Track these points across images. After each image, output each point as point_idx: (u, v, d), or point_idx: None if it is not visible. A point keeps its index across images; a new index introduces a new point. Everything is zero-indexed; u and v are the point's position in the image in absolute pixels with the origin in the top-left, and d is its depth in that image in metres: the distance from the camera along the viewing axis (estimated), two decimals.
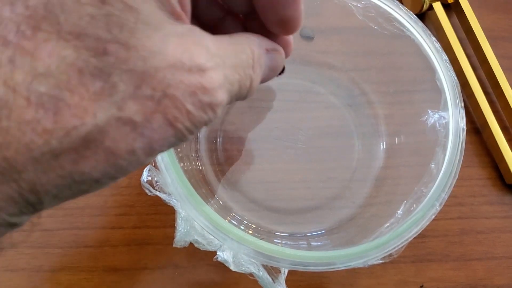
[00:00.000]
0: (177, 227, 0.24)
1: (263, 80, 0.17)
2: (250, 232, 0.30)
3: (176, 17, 0.13)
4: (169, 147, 0.12)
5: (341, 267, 0.23)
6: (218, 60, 0.13)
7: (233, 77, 0.14)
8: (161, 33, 0.12)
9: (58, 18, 0.10)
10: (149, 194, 0.24)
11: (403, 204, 0.27)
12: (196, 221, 0.23)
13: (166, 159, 0.24)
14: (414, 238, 0.24)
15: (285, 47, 0.18)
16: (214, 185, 0.32)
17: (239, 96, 0.15)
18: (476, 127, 0.37)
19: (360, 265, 0.23)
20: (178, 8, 0.13)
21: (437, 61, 0.28)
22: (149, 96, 0.11)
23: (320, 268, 0.23)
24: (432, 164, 0.27)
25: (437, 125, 0.28)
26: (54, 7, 0.10)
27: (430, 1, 0.38)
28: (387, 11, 0.29)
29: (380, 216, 0.29)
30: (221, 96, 0.13)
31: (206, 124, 0.13)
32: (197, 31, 0.13)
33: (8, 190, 0.11)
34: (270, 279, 0.24)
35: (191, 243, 0.25)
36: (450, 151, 0.27)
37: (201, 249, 0.24)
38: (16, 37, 0.10)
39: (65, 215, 0.32)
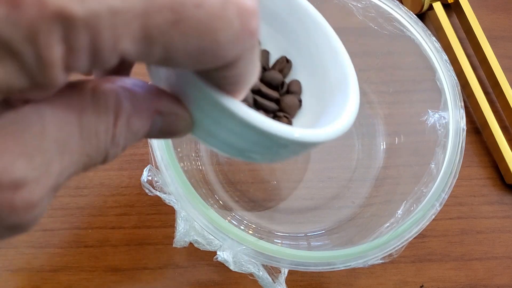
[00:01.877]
0: (177, 227, 0.24)
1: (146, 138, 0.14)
2: (250, 232, 0.30)
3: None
4: None
5: (341, 267, 0.23)
6: (41, 161, 0.11)
7: (70, 167, 0.11)
8: None
9: None
10: (149, 194, 0.24)
11: (403, 204, 0.27)
12: (196, 221, 0.23)
13: (166, 159, 0.24)
14: (414, 238, 0.24)
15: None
16: (214, 185, 0.32)
17: (81, 171, 0.12)
18: (476, 127, 0.37)
19: (360, 265, 0.23)
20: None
21: (437, 61, 0.28)
22: None
23: (320, 268, 0.23)
24: (432, 164, 0.27)
25: (437, 125, 0.28)
26: None
27: (430, 1, 0.38)
28: (387, 11, 0.29)
29: (380, 216, 0.29)
30: (35, 212, 0.11)
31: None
32: (25, 114, 0.10)
33: None
34: (270, 279, 0.24)
35: (191, 243, 0.25)
36: (450, 151, 0.27)
37: (201, 249, 0.24)
38: None
39: (66, 215, 0.32)
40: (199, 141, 0.17)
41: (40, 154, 0.10)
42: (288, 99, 0.21)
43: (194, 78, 0.14)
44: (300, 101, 0.22)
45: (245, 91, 0.15)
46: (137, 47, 0.10)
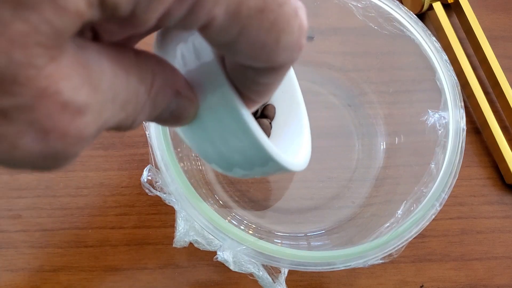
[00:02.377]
0: (177, 227, 0.24)
1: (154, 121, 0.14)
2: (250, 232, 0.30)
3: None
4: None
5: (341, 267, 0.23)
6: (101, 99, 0.11)
7: (114, 118, 0.11)
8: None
9: None
10: (149, 194, 0.24)
11: (403, 204, 0.27)
12: (196, 221, 0.23)
13: (166, 159, 0.24)
14: (414, 238, 0.24)
15: None
16: (214, 185, 0.32)
17: (113, 129, 0.12)
18: (476, 127, 0.37)
19: (360, 265, 0.23)
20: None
21: (437, 61, 0.28)
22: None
23: (320, 268, 0.23)
24: (432, 164, 0.27)
25: (437, 125, 0.28)
26: None
27: (430, 1, 0.38)
28: (387, 11, 0.29)
29: (380, 216, 0.29)
30: (78, 147, 0.11)
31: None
32: (91, 52, 0.11)
33: None
34: (270, 279, 0.24)
35: (191, 243, 0.25)
36: (450, 151, 0.27)
37: (201, 249, 0.24)
38: None
39: (65, 215, 0.32)
40: (185, 137, 0.17)
41: (101, 92, 0.10)
42: (262, 122, 0.24)
43: (218, 72, 0.14)
44: (270, 124, 0.25)
45: (258, 105, 0.15)
46: (224, 18, 0.10)
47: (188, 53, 0.15)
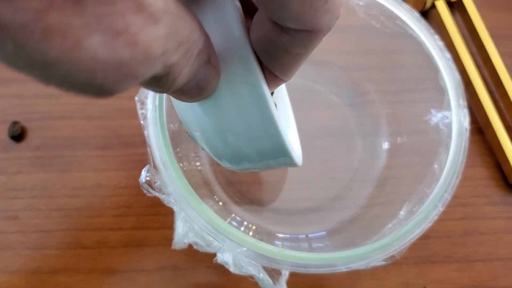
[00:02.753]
0: (176, 229, 0.24)
1: (177, 92, 0.13)
2: (250, 233, 0.29)
3: None
4: None
5: (342, 268, 0.23)
6: (171, 19, 0.10)
7: (170, 56, 0.11)
8: None
9: None
10: (148, 194, 0.24)
11: (406, 204, 0.27)
12: (196, 222, 0.23)
13: (165, 159, 0.24)
14: (417, 239, 0.24)
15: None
16: (214, 185, 0.32)
17: (154, 83, 0.12)
18: (479, 127, 0.37)
19: (362, 266, 0.23)
20: None
21: (440, 60, 0.28)
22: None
23: (321, 269, 0.23)
24: (435, 164, 0.27)
25: (440, 124, 0.28)
26: None
27: None
28: (389, 9, 0.29)
29: (382, 217, 0.29)
30: (139, 70, 0.10)
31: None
32: None
33: None
34: (271, 281, 0.24)
35: (190, 245, 0.24)
36: (453, 151, 0.26)
37: (200, 250, 0.24)
38: None
39: (63, 216, 0.32)
40: (194, 119, 0.16)
41: (171, 13, 0.10)
42: None
43: (245, 44, 0.14)
44: None
45: (278, 85, 0.15)
46: None
47: (215, 21, 0.14)
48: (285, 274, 0.25)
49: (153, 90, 0.13)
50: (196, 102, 0.15)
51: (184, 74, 0.12)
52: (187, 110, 0.17)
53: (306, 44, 0.13)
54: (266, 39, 0.14)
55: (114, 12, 0.09)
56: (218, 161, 0.19)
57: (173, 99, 0.17)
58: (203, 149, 0.20)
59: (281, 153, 0.17)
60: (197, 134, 0.17)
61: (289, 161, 0.18)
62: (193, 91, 0.14)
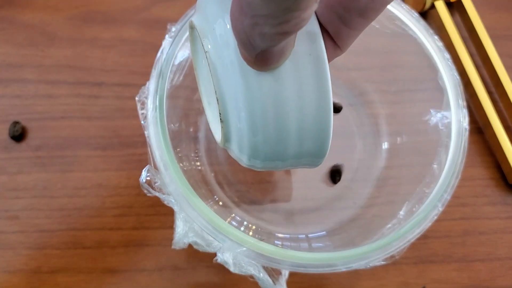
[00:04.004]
0: (176, 228, 0.24)
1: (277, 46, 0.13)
2: (250, 233, 0.29)
3: None
4: None
5: (342, 268, 0.23)
6: None
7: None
8: None
9: None
10: (148, 194, 0.24)
11: (405, 204, 0.27)
12: (196, 222, 0.23)
13: (165, 159, 0.24)
14: (416, 239, 0.24)
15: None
16: (214, 185, 0.32)
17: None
18: (478, 127, 0.37)
19: (362, 266, 0.23)
20: None
21: (439, 60, 0.28)
22: None
23: (321, 269, 0.23)
24: (434, 164, 0.27)
25: (440, 124, 0.28)
26: None
27: None
28: (389, 9, 0.29)
29: (382, 217, 0.29)
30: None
31: None
32: None
33: None
34: (271, 280, 0.24)
35: (190, 245, 0.24)
36: (453, 151, 0.26)
37: (200, 250, 0.24)
38: None
39: (63, 216, 0.32)
40: (246, 91, 0.15)
41: None
42: None
43: (313, 16, 0.13)
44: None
45: (335, 57, 0.16)
46: None
47: None
48: (285, 273, 0.25)
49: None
50: (266, 70, 0.14)
51: (303, 18, 0.12)
52: (238, 86, 0.15)
53: (381, 5, 0.13)
54: (340, 4, 0.14)
55: None
56: (241, 156, 0.18)
57: (217, 79, 0.16)
58: (225, 145, 0.19)
59: (323, 139, 0.16)
60: (241, 115, 0.16)
61: (322, 151, 0.17)
62: (276, 54, 0.13)
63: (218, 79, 0.16)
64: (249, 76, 0.15)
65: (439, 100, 0.28)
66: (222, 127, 0.17)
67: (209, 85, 0.21)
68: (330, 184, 0.33)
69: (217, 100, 0.16)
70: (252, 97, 0.15)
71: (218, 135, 0.20)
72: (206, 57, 0.16)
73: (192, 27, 0.18)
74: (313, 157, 0.17)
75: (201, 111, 0.33)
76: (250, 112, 0.15)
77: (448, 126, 0.27)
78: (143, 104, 0.25)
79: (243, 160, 0.18)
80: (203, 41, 0.16)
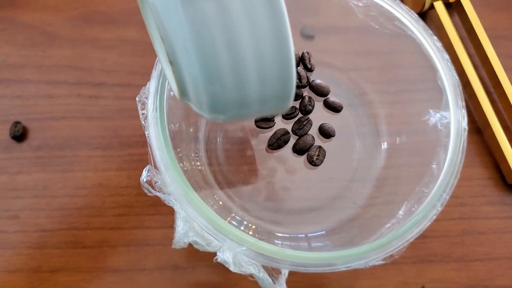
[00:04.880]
0: (176, 228, 0.24)
1: None
2: (250, 233, 0.30)
3: None
4: None
5: (341, 268, 0.23)
6: None
7: None
8: None
9: None
10: (148, 194, 0.24)
11: (404, 204, 0.27)
12: (196, 222, 0.23)
13: (165, 159, 0.24)
14: (415, 238, 0.24)
15: None
16: (214, 185, 0.32)
17: None
18: (477, 127, 0.37)
19: (361, 266, 0.23)
20: None
21: (438, 61, 0.28)
22: None
23: (321, 269, 0.23)
24: (433, 164, 0.27)
25: (439, 125, 0.28)
26: None
27: (431, 0, 0.38)
28: (388, 10, 0.29)
29: (381, 217, 0.29)
30: None
31: None
32: None
33: None
34: (271, 280, 0.24)
35: (190, 244, 0.24)
36: (452, 151, 0.26)
37: (201, 250, 0.24)
38: None
39: (63, 216, 0.32)
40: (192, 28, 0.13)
41: None
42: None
43: None
44: None
45: None
46: None
47: None
48: (285, 273, 0.25)
49: None
50: None
51: None
52: (183, 25, 0.14)
53: None
54: None
55: None
56: (201, 107, 0.16)
57: (157, 15, 0.14)
58: (183, 99, 0.17)
59: (286, 73, 0.14)
60: (189, 50, 0.14)
61: (287, 89, 0.15)
62: None
63: (158, 15, 0.14)
64: (190, 4, 0.13)
65: (438, 100, 0.28)
66: (173, 71, 0.15)
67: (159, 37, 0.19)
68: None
69: (162, 39, 0.14)
70: (197, 28, 0.13)
71: (174, 87, 0.18)
72: None
73: None
74: (279, 99, 0.16)
75: None
76: (198, 43, 0.14)
77: (447, 126, 0.27)
78: (144, 104, 0.25)
79: (205, 111, 0.17)
80: None
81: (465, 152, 0.26)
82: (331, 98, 0.31)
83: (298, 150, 0.30)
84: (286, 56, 0.14)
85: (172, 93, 0.25)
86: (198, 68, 0.14)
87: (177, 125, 0.27)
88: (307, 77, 0.29)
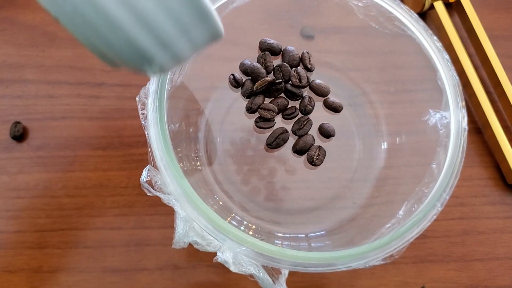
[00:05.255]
0: (176, 228, 0.24)
1: None
2: (250, 233, 0.30)
3: None
4: None
5: (341, 268, 0.23)
6: None
7: None
8: None
9: None
10: (149, 194, 0.24)
11: (404, 204, 0.27)
12: (196, 222, 0.23)
13: (165, 159, 0.24)
14: (415, 238, 0.24)
15: None
16: (214, 185, 0.32)
17: None
18: (477, 127, 0.37)
19: (361, 266, 0.23)
20: None
21: (438, 61, 0.28)
22: None
23: (321, 269, 0.23)
24: (433, 164, 0.27)
25: (439, 125, 0.28)
26: None
27: (431, 0, 0.38)
28: (388, 10, 0.29)
29: (381, 217, 0.29)
30: None
31: None
32: None
33: None
34: (271, 280, 0.24)
35: (190, 244, 0.24)
36: (452, 151, 0.26)
37: (201, 250, 0.24)
38: None
39: (64, 216, 0.32)
40: None
41: None
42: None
43: None
44: None
45: None
46: None
47: None
48: (285, 273, 0.25)
49: None
50: None
51: None
52: None
53: None
54: None
55: None
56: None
57: None
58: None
59: (200, 12, 0.13)
60: None
61: (215, 23, 0.13)
62: None
63: None
64: None
65: (438, 100, 0.28)
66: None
67: None
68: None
69: None
70: None
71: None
72: None
73: None
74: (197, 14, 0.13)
75: (201, 111, 0.33)
76: None
77: (447, 126, 0.27)
78: (144, 104, 0.25)
79: None
80: None
81: (465, 152, 0.26)
82: (331, 98, 0.31)
83: (298, 150, 0.30)
84: None
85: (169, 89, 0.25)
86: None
87: (177, 125, 0.27)
88: (307, 77, 0.29)
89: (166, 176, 0.23)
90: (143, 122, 0.25)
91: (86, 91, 0.36)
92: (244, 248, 0.23)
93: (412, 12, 0.29)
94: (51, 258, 0.31)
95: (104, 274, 0.31)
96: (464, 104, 0.27)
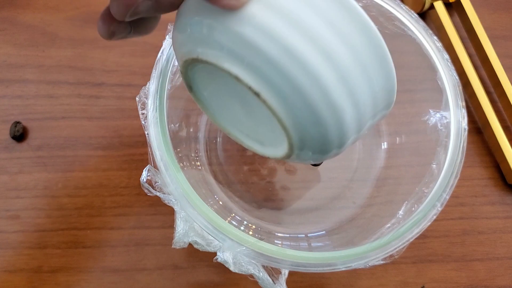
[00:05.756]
0: (176, 228, 0.24)
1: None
2: (250, 233, 0.30)
3: None
4: None
5: (341, 268, 0.23)
6: None
7: None
8: None
9: None
10: (149, 194, 0.24)
11: (404, 204, 0.27)
12: (196, 222, 0.23)
13: (165, 159, 0.24)
14: (415, 238, 0.24)
15: None
16: (214, 185, 0.32)
17: None
18: (477, 127, 0.37)
19: (361, 266, 0.23)
20: None
21: (438, 61, 0.28)
22: None
23: (321, 269, 0.23)
24: (433, 164, 0.27)
25: (439, 124, 0.28)
26: None
27: (431, 0, 0.38)
28: (388, 10, 0.29)
29: (381, 217, 0.29)
30: None
31: None
32: None
33: None
34: (270, 280, 0.24)
35: (190, 244, 0.24)
36: (452, 151, 0.26)
37: (201, 250, 0.24)
38: None
39: (64, 216, 0.32)
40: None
41: None
42: None
43: None
44: None
45: None
46: None
47: None
48: (285, 273, 0.25)
49: None
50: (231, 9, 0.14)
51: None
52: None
53: None
54: None
55: None
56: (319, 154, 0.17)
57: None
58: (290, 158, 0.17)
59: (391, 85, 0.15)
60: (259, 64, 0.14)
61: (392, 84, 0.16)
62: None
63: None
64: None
65: (438, 100, 0.28)
66: (288, 137, 0.16)
67: (232, 107, 0.21)
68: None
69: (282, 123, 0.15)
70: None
71: (275, 150, 0.19)
72: (241, 79, 0.15)
73: (192, 63, 0.17)
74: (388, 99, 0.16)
75: (201, 111, 0.33)
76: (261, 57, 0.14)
77: (447, 126, 0.27)
78: (144, 104, 0.25)
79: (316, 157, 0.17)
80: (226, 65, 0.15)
81: (465, 152, 0.26)
82: None
83: None
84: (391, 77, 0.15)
85: (169, 91, 0.25)
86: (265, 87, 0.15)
87: (177, 125, 0.27)
88: None
89: (166, 176, 0.23)
90: (143, 122, 0.25)
91: (86, 91, 0.36)
92: (244, 248, 0.23)
93: (412, 12, 0.29)
94: (51, 258, 0.31)
95: (104, 274, 0.31)
96: (464, 104, 0.27)
